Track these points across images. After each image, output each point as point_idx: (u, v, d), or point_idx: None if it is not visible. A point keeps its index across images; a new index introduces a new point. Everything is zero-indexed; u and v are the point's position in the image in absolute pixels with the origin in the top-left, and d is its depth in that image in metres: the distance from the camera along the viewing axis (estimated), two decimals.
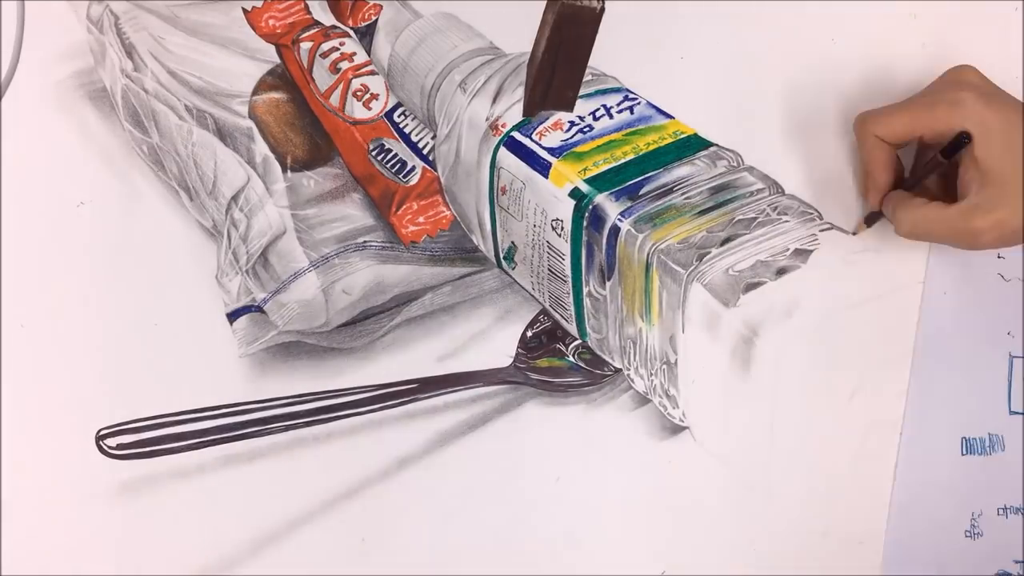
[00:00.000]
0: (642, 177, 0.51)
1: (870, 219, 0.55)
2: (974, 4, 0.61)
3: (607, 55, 0.54)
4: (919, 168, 0.54)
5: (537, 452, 0.55)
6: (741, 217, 0.50)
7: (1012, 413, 0.55)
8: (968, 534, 0.54)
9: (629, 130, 0.54)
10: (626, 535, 0.53)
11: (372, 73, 0.60)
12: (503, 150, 0.53)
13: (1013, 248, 0.57)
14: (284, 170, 0.58)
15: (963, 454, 0.54)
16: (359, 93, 0.59)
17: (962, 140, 0.49)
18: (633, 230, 0.50)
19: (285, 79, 0.60)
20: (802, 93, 0.61)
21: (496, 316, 0.58)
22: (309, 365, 0.57)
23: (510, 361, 0.57)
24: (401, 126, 0.59)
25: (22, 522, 0.54)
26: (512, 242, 0.55)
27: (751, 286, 0.48)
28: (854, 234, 0.54)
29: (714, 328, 0.49)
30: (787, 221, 0.50)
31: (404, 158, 0.58)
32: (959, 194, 0.51)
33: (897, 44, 0.61)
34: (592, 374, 0.56)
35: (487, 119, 0.54)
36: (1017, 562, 0.55)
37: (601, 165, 0.52)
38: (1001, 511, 0.54)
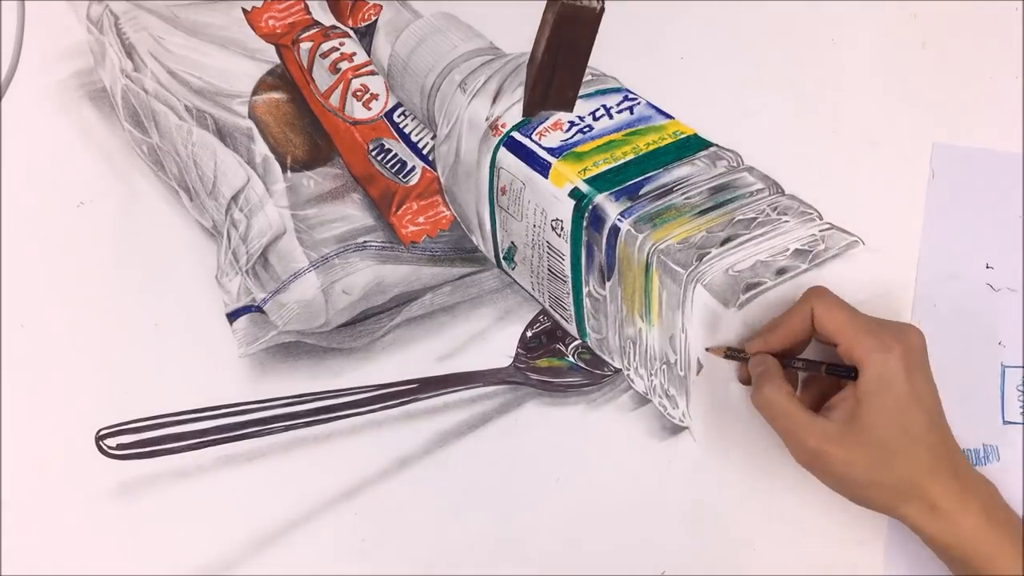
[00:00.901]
0: (642, 177, 0.51)
1: (730, 354, 0.49)
2: (974, 4, 0.61)
3: (607, 55, 0.54)
4: (801, 359, 0.48)
5: (537, 452, 0.55)
6: (741, 217, 0.50)
7: (1005, 423, 0.55)
8: None
9: (629, 130, 0.54)
10: (626, 535, 0.53)
11: (372, 73, 0.60)
12: (503, 150, 0.53)
13: (1003, 257, 0.57)
14: (284, 170, 0.58)
15: None
16: (359, 93, 0.59)
17: (849, 375, 0.46)
18: (633, 230, 0.50)
19: (285, 79, 0.60)
20: (802, 93, 0.61)
21: (496, 316, 0.58)
22: (309, 365, 0.57)
23: (510, 361, 0.57)
24: (401, 126, 0.59)
25: (22, 522, 0.54)
26: (512, 242, 0.55)
27: (751, 286, 0.48)
28: (707, 350, 0.49)
29: (714, 328, 0.49)
30: (787, 221, 0.50)
31: (404, 158, 0.58)
32: (827, 405, 0.47)
33: (897, 44, 0.61)
34: (592, 374, 0.56)
35: (487, 119, 0.54)
36: None
37: (601, 165, 0.52)
38: None
